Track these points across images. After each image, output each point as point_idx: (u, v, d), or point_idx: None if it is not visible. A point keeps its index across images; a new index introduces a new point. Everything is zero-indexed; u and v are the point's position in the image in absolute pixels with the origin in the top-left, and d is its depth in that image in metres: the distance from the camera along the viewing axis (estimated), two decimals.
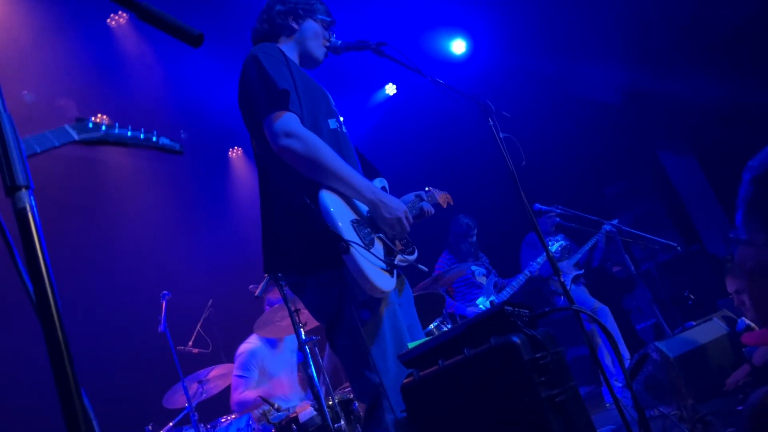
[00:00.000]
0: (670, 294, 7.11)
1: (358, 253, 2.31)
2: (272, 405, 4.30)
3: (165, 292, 5.22)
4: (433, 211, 3.11)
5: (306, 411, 3.96)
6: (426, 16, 7.86)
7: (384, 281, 2.38)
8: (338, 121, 2.72)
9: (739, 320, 4.50)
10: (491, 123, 3.28)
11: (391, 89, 8.71)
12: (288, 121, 2.43)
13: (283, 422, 3.96)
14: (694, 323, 4.92)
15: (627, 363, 6.49)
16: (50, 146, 1.89)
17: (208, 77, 7.17)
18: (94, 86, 6.65)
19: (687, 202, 8.03)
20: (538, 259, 6.51)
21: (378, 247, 2.47)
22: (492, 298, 6.50)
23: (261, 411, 4.53)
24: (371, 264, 2.35)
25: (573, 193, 7.45)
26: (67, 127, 2.13)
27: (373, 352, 2.43)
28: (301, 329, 3.97)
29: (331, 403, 3.93)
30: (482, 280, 6.67)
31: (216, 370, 5.36)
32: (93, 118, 2.16)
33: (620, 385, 6.31)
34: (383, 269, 2.41)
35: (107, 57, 6.65)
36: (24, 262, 1.14)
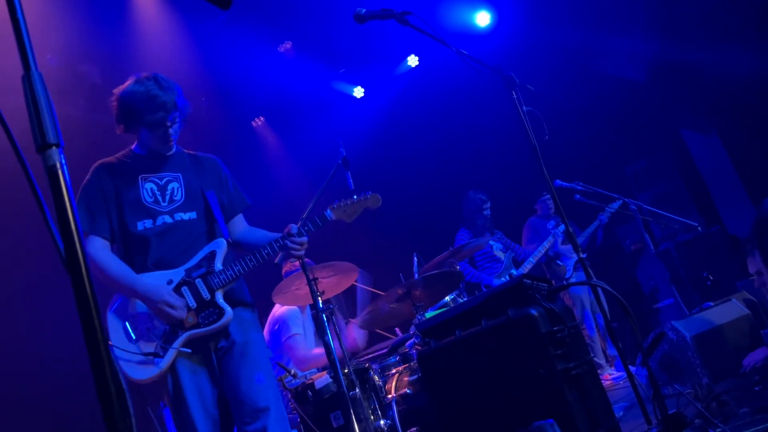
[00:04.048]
0: (688, 274, 7.06)
1: (117, 353, 2.81)
2: (288, 371, 4.35)
3: None
4: (295, 248, 3.13)
5: (322, 378, 4.00)
6: None
7: (138, 372, 2.84)
8: (154, 216, 3.02)
9: None
10: (515, 96, 3.26)
11: (413, 61, 8.64)
12: (87, 244, 2.91)
13: (299, 388, 4.01)
14: (712, 304, 4.89)
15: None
16: None
17: (231, 45, 7.15)
18: (117, 51, 6.66)
19: (709, 181, 7.93)
20: (555, 231, 6.53)
21: (150, 340, 2.88)
22: (512, 271, 6.51)
23: (277, 377, 4.57)
24: (125, 360, 2.83)
25: (594, 170, 7.38)
26: None
27: (175, 422, 2.92)
28: (319, 298, 4.01)
29: (346, 371, 3.97)
30: (500, 254, 6.68)
31: None
32: None
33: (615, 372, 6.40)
34: (139, 362, 2.85)
35: (132, 22, 6.65)
36: (54, 219, 1.16)
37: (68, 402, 5.55)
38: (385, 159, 8.44)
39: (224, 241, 3.10)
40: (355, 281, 5.15)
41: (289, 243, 3.09)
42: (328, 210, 3.34)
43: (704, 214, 7.63)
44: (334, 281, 4.76)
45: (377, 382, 4.33)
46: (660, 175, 7.92)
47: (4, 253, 5.57)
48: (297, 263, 5.23)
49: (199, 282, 2.95)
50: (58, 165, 1.17)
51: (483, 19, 8.19)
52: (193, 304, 2.92)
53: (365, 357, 5.16)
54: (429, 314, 4.73)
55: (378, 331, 5.43)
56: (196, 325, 2.90)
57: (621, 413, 4.53)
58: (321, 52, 8.24)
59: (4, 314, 5.62)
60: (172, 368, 2.89)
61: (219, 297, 2.96)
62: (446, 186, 8.14)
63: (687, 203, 7.64)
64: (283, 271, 5.31)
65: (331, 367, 3.45)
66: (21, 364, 5.63)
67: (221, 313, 2.93)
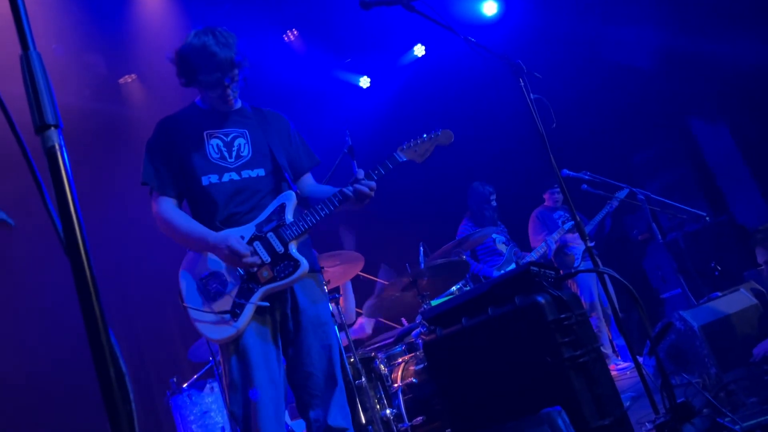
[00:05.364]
0: (696, 264, 7.02)
1: (192, 313, 2.79)
2: None
3: None
4: (366, 191, 2.95)
5: None
6: None
7: (214, 332, 2.78)
8: (220, 173, 2.92)
9: None
10: (522, 84, 3.23)
11: (419, 50, 8.60)
12: (155, 203, 2.95)
13: None
14: (719, 294, 4.86)
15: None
16: None
17: (236, 34, 7.11)
18: (122, 41, 6.65)
19: (717, 171, 7.87)
20: (559, 231, 6.52)
21: (225, 298, 2.80)
22: (512, 267, 6.48)
23: None
24: (201, 321, 2.79)
25: (601, 159, 7.33)
26: None
27: (230, 384, 2.81)
28: (325, 287, 3.99)
29: (352, 360, 3.96)
30: (502, 248, 6.64)
31: None
32: None
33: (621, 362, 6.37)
34: (214, 321, 2.77)
35: (136, 11, 6.63)
36: (53, 201, 1.15)
37: (69, 386, 5.57)
38: (391, 148, 8.40)
39: (293, 193, 2.98)
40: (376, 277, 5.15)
41: (360, 186, 2.92)
42: (398, 151, 3.19)
43: (712, 204, 7.58)
44: (339, 270, 4.75)
45: (383, 372, 4.32)
46: (668, 165, 7.87)
47: (4, 236, 5.58)
48: None
49: (271, 236, 2.84)
50: (57, 146, 1.15)
51: (490, 8, 8.15)
52: (267, 258, 2.79)
53: (371, 346, 5.16)
54: (435, 302, 4.72)
55: (384, 321, 5.42)
56: (272, 279, 2.79)
57: (627, 403, 4.51)
58: (327, 42, 8.21)
59: (3, 297, 5.64)
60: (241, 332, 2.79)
61: (293, 249, 2.85)
62: (453, 175, 8.11)
63: (695, 193, 7.59)
64: None
65: None
66: (22, 348, 5.65)
67: (297, 264, 2.82)
